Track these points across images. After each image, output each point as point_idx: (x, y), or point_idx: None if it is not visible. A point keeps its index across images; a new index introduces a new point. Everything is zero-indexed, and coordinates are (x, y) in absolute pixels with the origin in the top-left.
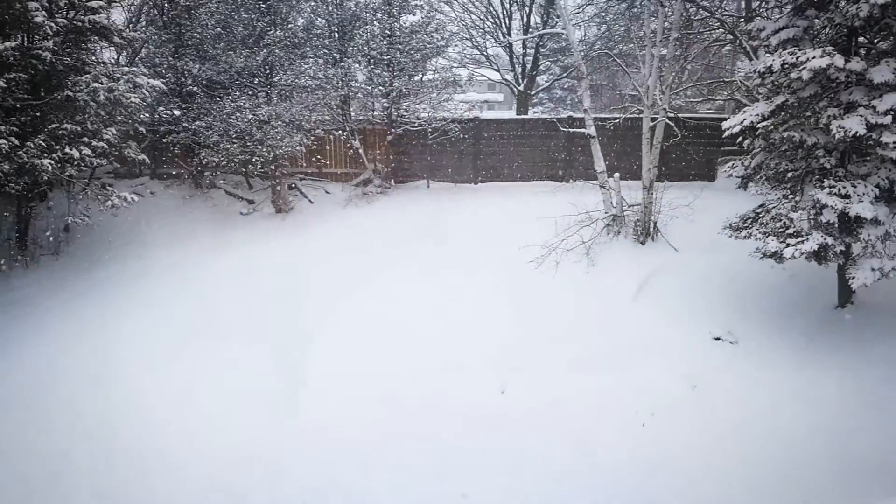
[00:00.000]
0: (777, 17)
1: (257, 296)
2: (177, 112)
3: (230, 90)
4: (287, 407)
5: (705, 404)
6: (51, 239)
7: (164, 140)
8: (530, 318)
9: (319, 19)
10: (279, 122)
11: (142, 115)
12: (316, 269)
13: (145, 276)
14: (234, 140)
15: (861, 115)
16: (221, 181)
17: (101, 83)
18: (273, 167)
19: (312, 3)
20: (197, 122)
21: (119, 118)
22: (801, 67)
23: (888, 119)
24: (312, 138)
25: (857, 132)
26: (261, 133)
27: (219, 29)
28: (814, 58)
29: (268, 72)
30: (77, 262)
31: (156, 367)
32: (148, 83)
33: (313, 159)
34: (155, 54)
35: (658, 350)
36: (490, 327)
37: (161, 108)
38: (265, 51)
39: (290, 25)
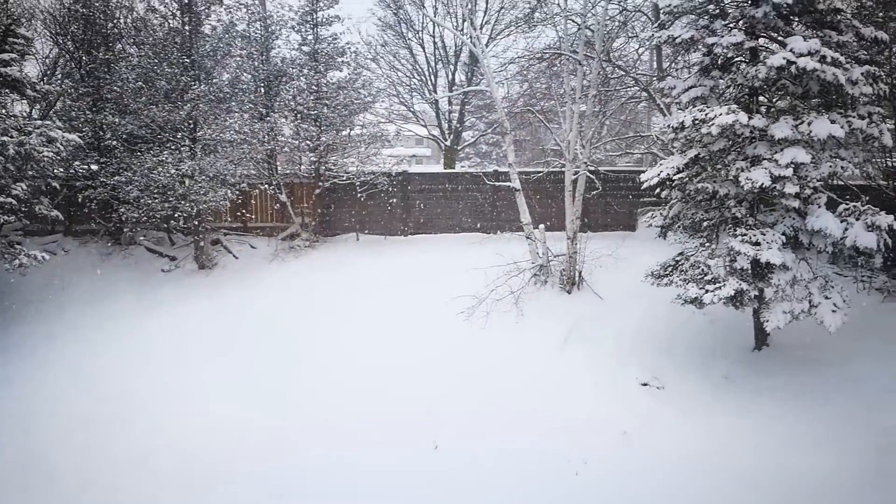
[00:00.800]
0: (686, 76)
1: (180, 354)
2: (94, 167)
3: (152, 144)
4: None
5: (636, 450)
6: None
7: (81, 195)
8: (462, 370)
9: (245, 74)
10: (203, 177)
11: (55, 170)
12: (241, 327)
13: (56, 339)
14: (156, 195)
15: (766, 168)
16: (142, 237)
17: (11, 137)
18: (196, 222)
19: (238, 59)
20: (116, 177)
21: (30, 173)
22: (710, 123)
23: (789, 171)
24: (237, 193)
25: (762, 184)
26: (184, 188)
27: (140, 83)
28: (721, 115)
29: (192, 126)
30: None
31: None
32: (63, 137)
33: (238, 214)
34: (71, 107)
35: (588, 397)
36: (422, 381)
37: (77, 163)
38: (189, 105)
39: (214, 80)
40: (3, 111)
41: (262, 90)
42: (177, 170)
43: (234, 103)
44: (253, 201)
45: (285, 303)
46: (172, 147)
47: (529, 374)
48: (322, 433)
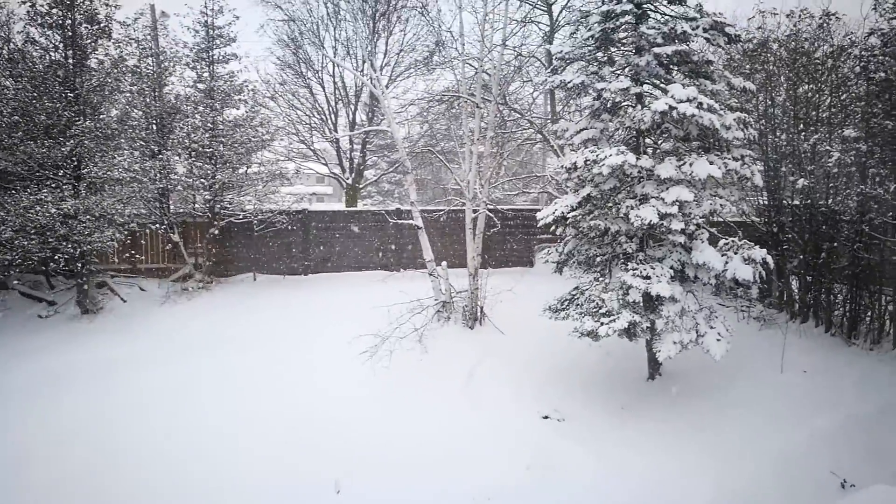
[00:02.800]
0: (578, 119)
1: (52, 415)
2: None
3: (28, 182)
4: None
5: (540, 483)
6: None
7: None
8: (365, 410)
9: (136, 111)
10: (88, 217)
11: None
12: (126, 376)
13: None
14: (33, 236)
15: (653, 206)
16: (16, 281)
17: None
18: (80, 265)
19: (128, 94)
20: None
21: None
22: (601, 164)
23: (675, 209)
24: (126, 233)
25: (651, 220)
26: (65, 228)
27: (17, 117)
28: (611, 156)
29: (75, 163)
30: None
31: None
32: None
33: (127, 255)
34: None
35: (491, 433)
36: (324, 424)
37: None
38: (72, 141)
39: (102, 116)
40: None
41: (155, 127)
42: (57, 209)
43: (123, 140)
44: (143, 241)
45: (174, 348)
46: (53, 185)
47: (434, 412)
48: (214, 486)
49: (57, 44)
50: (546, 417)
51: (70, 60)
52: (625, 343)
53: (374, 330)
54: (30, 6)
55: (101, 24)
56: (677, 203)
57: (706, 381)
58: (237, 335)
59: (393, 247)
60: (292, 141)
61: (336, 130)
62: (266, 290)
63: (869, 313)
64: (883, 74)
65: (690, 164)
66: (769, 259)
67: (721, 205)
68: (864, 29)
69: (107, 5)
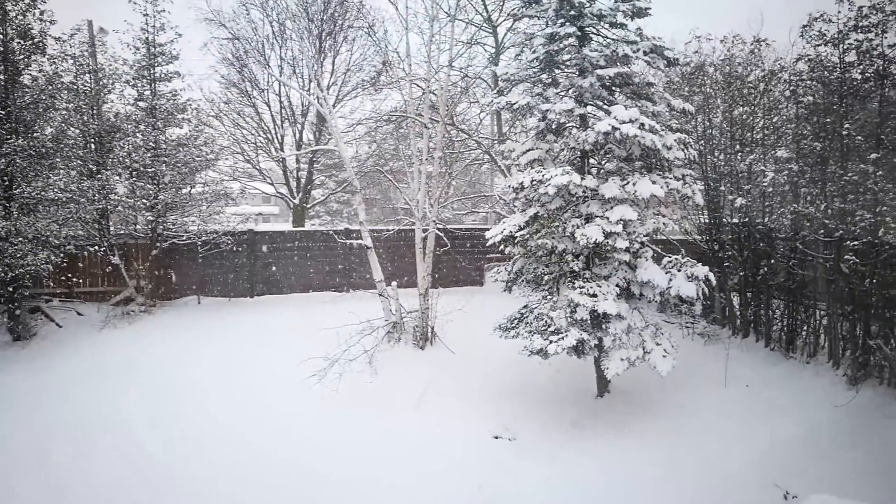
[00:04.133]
0: (524, 140)
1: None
2: None
3: None
4: None
5: (492, 502)
6: None
7: None
8: (315, 434)
9: (72, 129)
10: (20, 239)
11: None
12: (62, 405)
13: None
14: None
15: (598, 225)
16: None
17: None
18: (11, 289)
19: (64, 112)
20: None
21: None
22: (547, 184)
23: (619, 227)
24: (62, 255)
25: (596, 239)
26: None
27: None
28: (556, 175)
29: (6, 183)
30: None
31: None
32: None
33: (63, 278)
34: None
35: (443, 453)
36: (271, 449)
37: None
38: (4, 160)
39: (35, 134)
40: None
41: (93, 146)
42: None
43: (58, 159)
44: (81, 264)
45: (115, 376)
46: None
47: (385, 435)
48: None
49: None
50: (497, 437)
51: (1, 77)
52: (574, 360)
53: (324, 352)
54: None
55: (35, 40)
56: (622, 222)
57: (654, 397)
58: (182, 358)
59: (342, 267)
60: (238, 160)
61: (282, 150)
62: (211, 314)
63: (805, 327)
64: (811, 98)
65: (634, 184)
66: (711, 276)
67: (664, 223)
68: (792, 55)
69: (41, 20)
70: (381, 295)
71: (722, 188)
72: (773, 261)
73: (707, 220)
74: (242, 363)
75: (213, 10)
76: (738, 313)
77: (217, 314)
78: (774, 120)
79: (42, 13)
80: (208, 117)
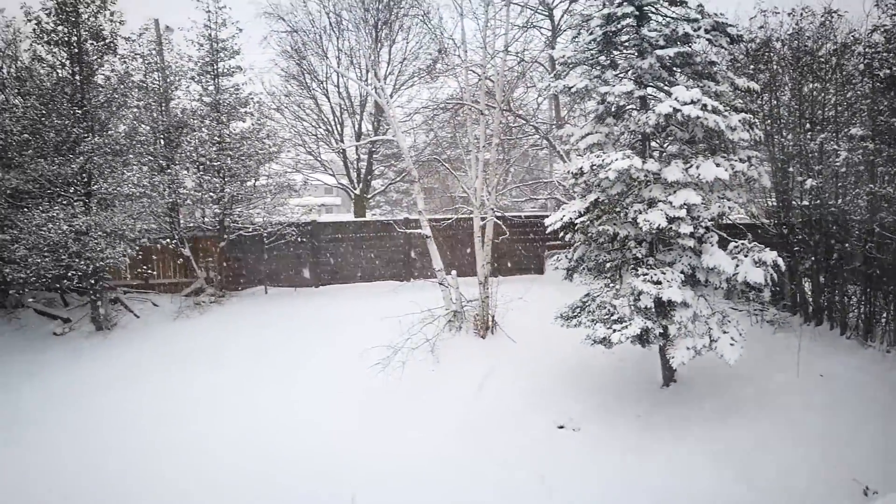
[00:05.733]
0: (583, 124)
1: (69, 431)
2: None
3: (40, 199)
4: None
5: (555, 493)
6: None
7: None
8: (380, 422)
9: (143, 125)
10: (99, 233)
11: None
12: (144, 390)
13: None
14: (46, 254)
15: (661, 210)
16: (31, 299)
17: None
18: (93, 281)
19: (135, 110)
20: (0, 236)
21: None
22: (608, 168)
23: (683, 212)
24: (138, 248)
25: (660, 225)
26: (78, 245)
27: (26, 135)
28: (616, 160)
29: (86, 180)
30: None
31: None
32: None
33: (139, 270)
34: None
35: (505, 443)
36: (340, 436)
37: None
38: (82, 158)
39: (110, 131)
40: None
41: (162, 142)
42: (69, 226)
43: (132, 155)
44: (154, 257)
45: (190, 365)
46: (64, 202)
47: (447, 423)
48: (233, 497)
49: (63, 61)
50: (561, 427)
51: (77, 77)
52: (638, 349)
53: (386, 341)
54: (36, 24)
55: (107, 40)
56: (685, 206)
57: (722, 387)
58: (250, 347)
59: (402, 257)
60: (299, 152)
61: (342, 141)
62: (278, 303)
63: (885, 315)
64: (888, 71)
65: (697, 167)
66: (780, 261)
67: (730, 207)
68: (867, 26)
69: (111, 21)
70: (441, 284)
71: (791, 169)
72: (847, 245)
73: (775, 204)
74: (309, 352)
75: (271, 3)
76: (811, 300)
77: (283, 304)
78: (848, 96)
79: (112, 14)
80: (270, 110)
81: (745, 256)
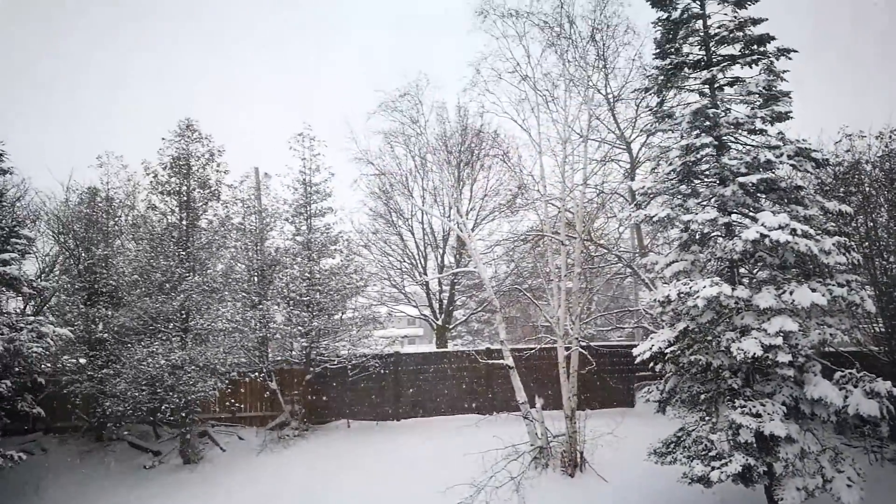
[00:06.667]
0: (667, 252)
1: None
2: (83, 360)
3: (143, 335)
4: None
5: None
6: None
7: (65, 391)
8: None
9: (239, 264)
10: (193, 367)
11: (43, 366)
12: None
13: None
14: (144, 387)
15: (755, 338)
16: (126, 432)
17: (2, 334)
18: (184, 414)
19: (232, 250)
20: (104, 370)
21: (17, 369)
22: (696, 296)
23: (779, 340)
24: (227, 381)
25: (755, 353)
26: (173, 379)
27: (136, 276)
28: (705, 287)
29: (184, 316)
30: None
31: None
32: (54, 332)
33: (227, 403)
34: (66, 302)
35: None
36: None
37: (66, 357)
38: (182, 296)
39: (208, 270)
40: None
41: (256, 279)
42: (167, 360)
43: (226, 292)
44: (242, 390)
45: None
46: (163, 337)
47: None
48: None
49: (174, 208)
50: None
51: (184, 222)
52: (741, 489)
53: (469, 479)
54: (153, 177)
55: (212, 188)
56: (781, 334)
57: None
58: (334, 485)
59: (484, 388)
60: (384, 286)
61: (425, 273)
62: (359, 438)
63: None
64: None
65: (791, 293)
66: None
67: (831, 334)
68: None
69: (217, 171)
70: (525, 417)
71: None
72: None
73: (883, 329)
74: (390, 492)
75: (361, 149)
76: None
77: (364, 439)
78: None
79: (219, 165)
80: (358, 247)
81: (855, 387)
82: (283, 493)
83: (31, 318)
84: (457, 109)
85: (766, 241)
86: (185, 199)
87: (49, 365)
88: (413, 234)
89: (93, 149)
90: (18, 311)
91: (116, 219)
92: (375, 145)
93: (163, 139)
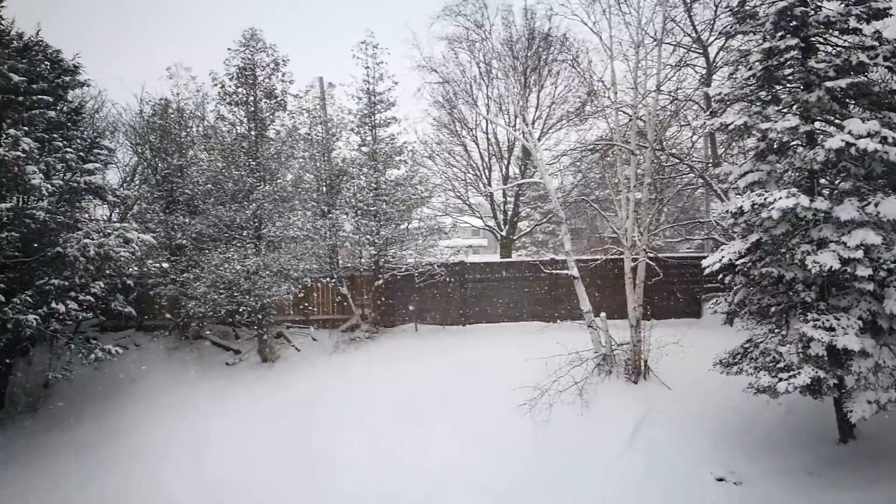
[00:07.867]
0: (742, 162)
1: (249, 455)
2: (165, 264)
3: (219, 242)
4: None
5: None
6: (29, 396)
7: (152, 292)
8: (527, 463)
9: (308, 174)
10: (267, 272)
11: (130, 269)
12: (307, 420)
13: (128, 432)
14: (222, 291)
15: (833, 251)
16: (208, 331)
17: (92, 239)
18: (260, 316)
19: (301, 160)
20: (185, 274)
21: (108, 272)
22: (770, 207)
23: (860, 254)
24: (300, 287)
25: (831, 267)
26: (248, 283)
27: (209, 185)
28: (780, 198)
29: (256, 224)
30: (57, 418)
31: None
32: (138, 238)
33: (300, 307)
34: (146, 210)
35: (660, 494)
36: (487, 472)
37: (150, 261)
38: (254, 204)
39: (278, 180)
40: (86, 215)
41: (324, 189)
42: (242, 266)
43: (297, 202)
44: (314, 294)
45: (348, 397)
46: (238, 244)
47: (597, 469)
48: None
49: (242, 119)
50: (721, 480)
51: (252, 133)
52: (808, 401)
53: (533, 382)
54: (220, 88)
55: (278, 98)
56: (862, 247)
57: None
58: (402, 382)
59: (548, 298)
60: (449, 197)
61: (490, 185)
62: (427, 341)
63: None
64: None
65: (876, 205)
66: None
67: None
68: None
69: (283, 81)
70: (589, 326)
71: None
72: None
73: None
74: (459, 389)
75: (424, 56)
76: None
77: (432, 341)
78: None
79: (283, 75)
80: (422, 158)
81: None
82: (356, 384)
83: (117, 225)
84: (523, 12)
85: (852, 150)
86: (253, 109)
87: (136, 268)
88: (477, 144)
89: (160, 61)
90: (105, 217)
91: (188, 130)
92: (439, 52)
93: (228, 49)
